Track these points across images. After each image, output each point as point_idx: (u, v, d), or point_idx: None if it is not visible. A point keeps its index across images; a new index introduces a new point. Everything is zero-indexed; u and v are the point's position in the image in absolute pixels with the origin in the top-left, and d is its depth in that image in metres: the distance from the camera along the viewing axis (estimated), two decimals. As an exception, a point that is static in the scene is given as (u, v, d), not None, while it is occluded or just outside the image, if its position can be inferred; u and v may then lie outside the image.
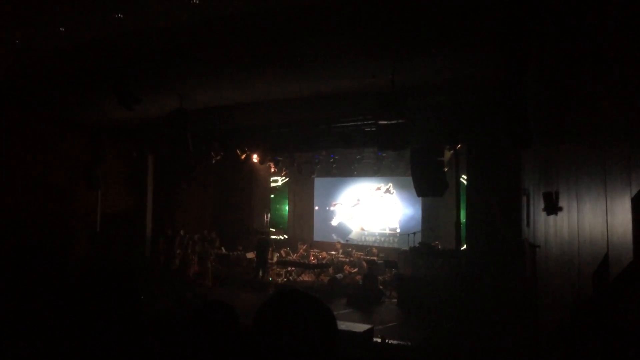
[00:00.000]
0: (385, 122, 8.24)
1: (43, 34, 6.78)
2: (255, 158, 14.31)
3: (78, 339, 1.85)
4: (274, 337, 1.46)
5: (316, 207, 18.27)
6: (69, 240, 11.99)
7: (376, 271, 13.03)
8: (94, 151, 13.03)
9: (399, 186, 16.31)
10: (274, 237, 17.71)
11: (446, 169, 11.24)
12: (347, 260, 15.02)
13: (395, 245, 15.84)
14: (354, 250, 15.78)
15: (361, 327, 7.58)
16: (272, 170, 17.01)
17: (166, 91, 9.46)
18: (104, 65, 8.06)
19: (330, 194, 18.01)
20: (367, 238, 17.00)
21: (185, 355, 2.31)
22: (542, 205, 5.18)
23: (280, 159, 14.14)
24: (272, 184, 18.73)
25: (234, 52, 7.60)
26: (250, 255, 15.04)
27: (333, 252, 15.73)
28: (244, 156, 13.89)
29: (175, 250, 13.74)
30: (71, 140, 12.46)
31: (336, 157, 14.61)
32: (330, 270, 14.31)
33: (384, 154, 13.83)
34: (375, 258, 14.56)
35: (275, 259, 15.24)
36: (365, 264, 13.85)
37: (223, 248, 15.14)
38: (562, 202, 4.57)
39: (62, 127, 12.13)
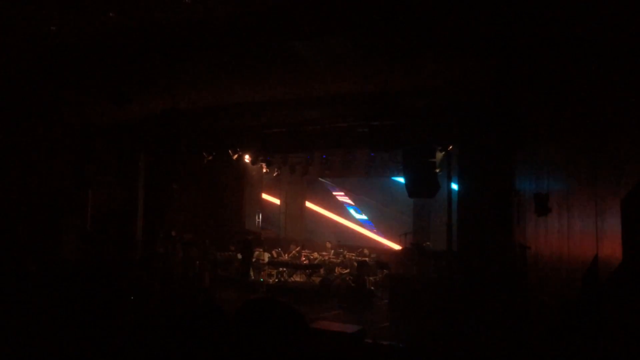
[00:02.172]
0: (377, 123, 8.26)
1: (34, 33, 6.73)
2: (247, 158, 14.27)
3: (65, 337, 1.84)
4: (252, 337, 1.84)
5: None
6: (58, 240, 11.88)
7: (367, 272, 13.04)
8: (84, 150, 12.91)
9: (391, 187, 16.34)
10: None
11: (438, 170, 11.27)
12: (339, 260, 15.02)
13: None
14: (345, 251, 15.78)
15: (352, 328, 7.57)
16: (264, 170, 16.96)
17: (158, 90, 9.42)
18: (95, 63, 8.01)
19: (322, 195, 17.99)
20: (358, 239, 16.99)
21: (175, 353, 2.31)
22: (532, 206, 5.22)
23: (272, 159, 14.11)
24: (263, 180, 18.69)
25: (226, 53, 7.59)
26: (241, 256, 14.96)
27: (324, 253, 15.74)
28: (235, 156, 13.84)
29: (167, 250, 13.63)
30: (61, 139, 12.33)
31: (328, 157, 14.60)
32: (322, 270, 14.30)
33: (376, 155, 13.84)
34: (366, 259, 14.57)
35: (266, 259, 15.18)
36: (356, 265, 13.86)
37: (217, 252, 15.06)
38: (553, 204, 4.61)
39: (53, 126, 12.01)
